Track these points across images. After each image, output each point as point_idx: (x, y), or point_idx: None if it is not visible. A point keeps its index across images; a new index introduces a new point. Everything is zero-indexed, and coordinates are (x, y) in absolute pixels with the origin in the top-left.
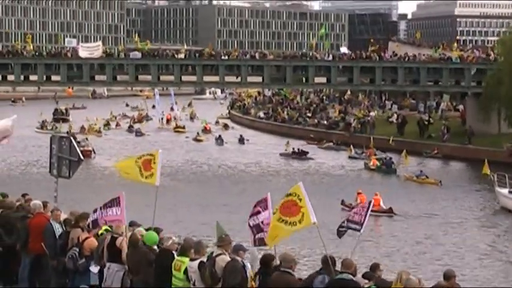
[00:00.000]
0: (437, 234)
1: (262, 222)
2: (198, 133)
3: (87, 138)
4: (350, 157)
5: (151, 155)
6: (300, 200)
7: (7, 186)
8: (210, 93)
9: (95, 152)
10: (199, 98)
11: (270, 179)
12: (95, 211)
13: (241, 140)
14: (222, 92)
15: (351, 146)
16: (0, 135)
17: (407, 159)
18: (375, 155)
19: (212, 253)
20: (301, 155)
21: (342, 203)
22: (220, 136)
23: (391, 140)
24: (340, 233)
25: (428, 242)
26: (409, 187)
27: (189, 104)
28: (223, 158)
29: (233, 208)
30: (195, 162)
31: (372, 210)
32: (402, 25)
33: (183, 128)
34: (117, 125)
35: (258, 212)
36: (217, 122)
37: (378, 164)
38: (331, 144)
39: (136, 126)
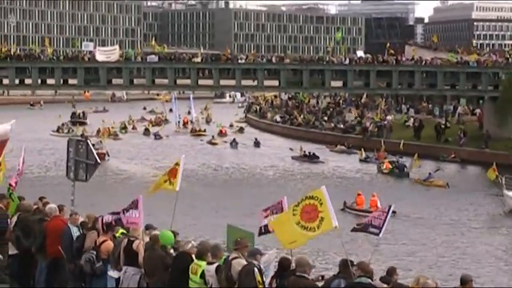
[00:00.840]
0: (446, 237)
1: (266, 226)
2: (213, 136)
3: (101, 141)
4: (361, 160)
5: (176, 163)
6: (321, 204)
7: (24, 189)
8: (230, 96)
9: (108, 155)
10: (219, 102)
11: (285, 182)
12: (117, 213)
13: (256, 144)
14: (242, 96)
15: (362, 149)
16: None
17: (417, 162)
18: (385, 158)
19: (228, 256)
20: (312, 158)
21: (344, 204)
22: (235, 139)
23: (401, 145)
24: (355, 230)
25: (438, 245)
26: (420, 190)
27: (205, 108)
28: (238, 162)
29: (247, 211)
30: (210, 166)
31: (369, 212)
32: (419, 29)
33: (204, 131)
34: (134, 128)
35: (267, 216)
36: (231, 126)
37: (391, 167)
38: (343, 147)
39: (153, 129)
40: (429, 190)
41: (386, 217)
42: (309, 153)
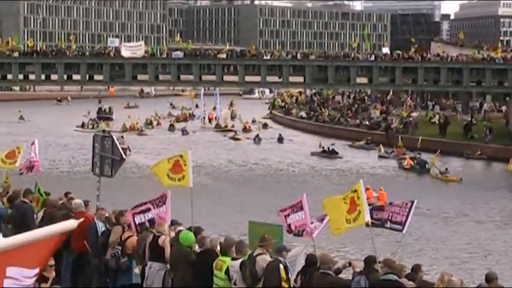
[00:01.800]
0: (465, 233)
1: (290, 224)
2: (235, 132)
3: (122, 136)
4: (380, 156)
5: (181, 156)
6: (358, 198)
7: (49, 185)
8: (259, 92)
9: (130, 150)
10: (248, 98)
11: (307, 178)
12: (147, 210)
13: (280, 139)
14: (270, 92)
15: (381, 145)
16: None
17: (435, 159)
18: (404, 154)
19: (253, 252)
20: (331, 154)
21: None
22: (258, 135)
23: (419, 141)
24: (374, 226)
25: (458, 242)
26: (439, 186)
27: (231, 104)
28: (261, 157)
29: (269, 207)
30: (232, 161)
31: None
32: (445, 25)
33: (233, 127)
34: (158, 124)
35: (288, 215)
36: (253, 121)
37: (412, 163)
38: (362, 143)
39: (180, 125)
40: (448, 186)
41: (409, 213)
42: (328, 148)
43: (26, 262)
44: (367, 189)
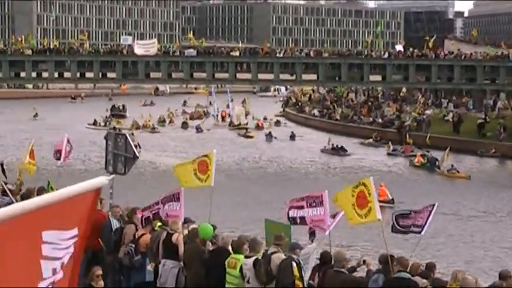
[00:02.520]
0: (474, 231)
1: (303, 218)
2: (246, 129)
3: (132, 133)
4: (388, 154)
5: (206, 156)
6: (369, 194)
7: (62, 182)
8: (275, 90)
9: (140, 147)
10: (264, 95)
11: (319, 175)
12: (156, 204)
13: (292, 137)
14: (286, 90)
15: (389, 142)
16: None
17: (447, 157)
18: (412, 151)
19: (267, 250)
20: (340, 151)
21: None
22: (270, 132)
23: (427, 139)
24: (395, 231)
25: (470, 239)
26: (446, 184)
27: (243, 101)
28: (273, 155)
29: (281, 205)
30: (245, 159)
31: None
32: (459, 23)
33: (246, 124)
34: (171, 121)
35: (301, 207)
36: (265, 119)
37: (423, 161)
38: (371, 140)
39: (192, 123)
40: (457, 184)
41: (429, 216)
42: (337, 146)
43: (61, 224)
44: None
